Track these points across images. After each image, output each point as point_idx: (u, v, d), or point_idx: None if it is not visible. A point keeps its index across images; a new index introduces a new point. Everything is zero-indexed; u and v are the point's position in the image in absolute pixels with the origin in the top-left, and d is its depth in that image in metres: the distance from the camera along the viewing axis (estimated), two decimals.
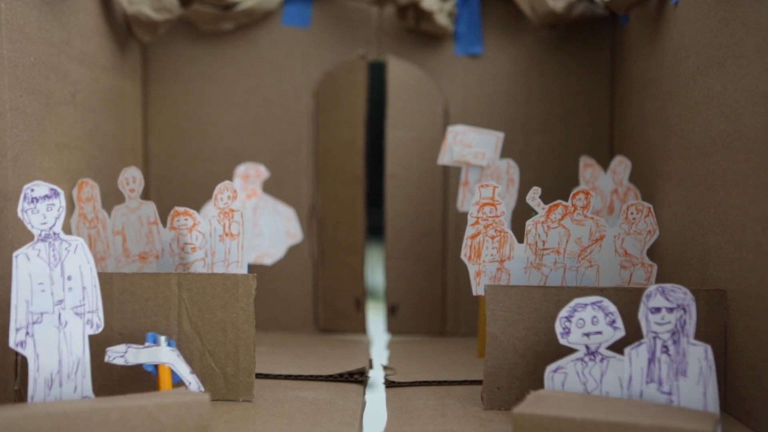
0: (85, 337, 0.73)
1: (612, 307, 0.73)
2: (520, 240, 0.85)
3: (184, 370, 0.77)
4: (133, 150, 1.18)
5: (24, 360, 0.80)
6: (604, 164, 1.08)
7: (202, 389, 0.79)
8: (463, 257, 0.85)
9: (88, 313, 0.73)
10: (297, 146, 1.22)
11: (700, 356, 0.70)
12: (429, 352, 1.07)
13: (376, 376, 0.96)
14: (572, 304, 0.73)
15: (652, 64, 1.02)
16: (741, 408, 0.76)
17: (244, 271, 0.88)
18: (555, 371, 0.73)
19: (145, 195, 1.19)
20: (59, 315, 0.71)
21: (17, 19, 0.80)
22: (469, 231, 0.85)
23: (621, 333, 0.73)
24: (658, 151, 0.99)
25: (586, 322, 0.73)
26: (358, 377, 0.91)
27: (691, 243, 0.87)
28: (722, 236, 0.80)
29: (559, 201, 0.84)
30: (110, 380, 0.80)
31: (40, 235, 0.71)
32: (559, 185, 1.15)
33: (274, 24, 1.22)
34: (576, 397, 0.71)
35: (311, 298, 1.22)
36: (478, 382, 0.86)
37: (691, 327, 0.70)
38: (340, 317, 1.21)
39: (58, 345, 0.71)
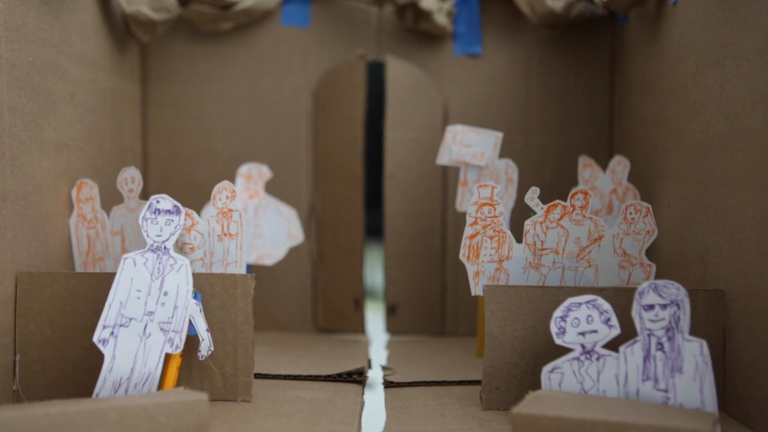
0: (163, 353, 0.74)
1: (606, 306, 0.73)
2: (519, 240, 0.85)
3: (201, 326, 0.79)
4: (132, 150, 1.18)
5: (22, 360, 0.80)
6: (603, 164, 1.08)
7: (212, 349, 0.80)
8: (462, 257, 0.85)
9: (172, 331, 0.74)
10: (296, 146, 1.22)
11: (695, 352, 0.70)
12: (428, 352, 1.07)
13: (375, 376, 0.96)
14: (567, 303, 0.73)
15: (651, 64, 1.02)
16: (740, 408, 0.76)
17: (243, 271, 0.88)
18: (552, 371, 0.73)
19: (144, 195, 1.19)
20: (146, 325, 0.73)
21: (15, 19, 0.80)
22: (468, 231, 0.85)
23: (616, 331, 0.73)
24: (657, 150, 0.99)
25: (581, 321, 0.73)
26: (357, 377, 0.91)
27: (690, 243, 0.87)
28: (721, 236, 0.80)
29: (557, 201, 0.84)
30: None
31: (152, 245, 0.74)
32: (557, 185, 1.15)
33: (273, 24, 1.22)
34: (575, 397, 0.71)
35: (310, 298, 1.22)
36: (477, 382, 0.86)
37: (685, 323, 0.70)
38: (339, 317, 1.21)
39: (135, 353, 0.73)
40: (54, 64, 0.90)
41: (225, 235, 0.87)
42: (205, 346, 0.79)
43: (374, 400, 0.87)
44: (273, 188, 1.15)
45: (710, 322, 0.79)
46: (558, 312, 0.73)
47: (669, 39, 0.95)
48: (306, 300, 1.22)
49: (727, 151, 0.78)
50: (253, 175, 1.09)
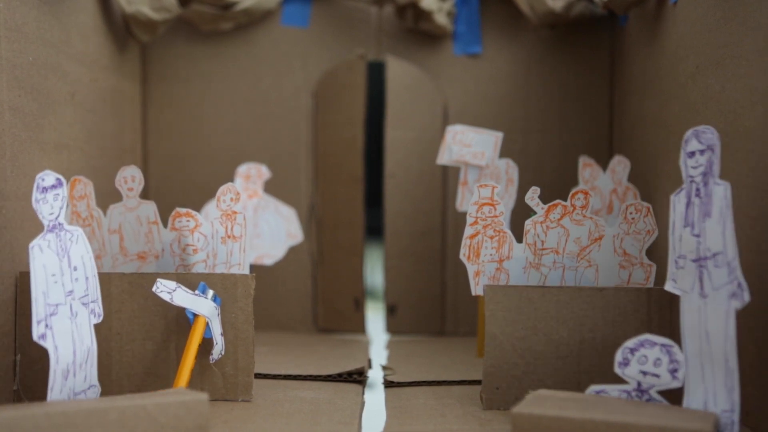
0: (92, 326, 0.73)
1: (680, 356, 0.69)
2: (519, 240, 0.85)
3: (217, 330, 0.80)
4: (132, 150, 1.18)
5: (23, 360, 0.80)
6: (603, 164, 1.08)
7: (223, 352, 0.81)
8: (462, 257, 0.85)
9: (91, 302, 0.74)
10: (296, 146, 1.22)
11: (720, 195, 0.68)
12: (428, 352, 1.07)
13: (375, 375, 0.96)
14: (642, 338, 0.70)
15: (651, 64, 1.02)
16: (740, 408, 0.76)
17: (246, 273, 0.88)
18: (598, 393, 0.71)
19: (144, 195, 1.19)
20: (71, 306, 0.72)
21: (15, 19, 0.80)
22: (468, 231, 0.85)
23: (678, 384, 0.69)
24: (657, 150, 0.99)
25: (648, 360, 0.70)
26: (357, 377, 0.91)
27: None
28: None
29: (558, 201, 0.84)
30: (108, 379, 0.80)
31: (48, 225, 0.72)
32: (558, 185, 1.15)
33: (273, 24, 1.22)
34: (575, 396, 0.71)
35: (310, 298, 1.22)
36: (478, 382, 0.86)
37: (716, 166, 0.68)
38: (340, 317, 1.21)
39: (72, 336, 0.72)
40: (54, 64, 0.90)
41: (228, 237, 0.87)
42: (217, 350, 0.80)
43: (374, 399, 0.87)
44: (273, 188, 1.15)
45: None
46: (630, 343, 0.70)
47: (669, 39, 0.95)
48: (306, 300, 1.22)
49: (727, 150, 0.78)
50: (252, 174, 1.09)
